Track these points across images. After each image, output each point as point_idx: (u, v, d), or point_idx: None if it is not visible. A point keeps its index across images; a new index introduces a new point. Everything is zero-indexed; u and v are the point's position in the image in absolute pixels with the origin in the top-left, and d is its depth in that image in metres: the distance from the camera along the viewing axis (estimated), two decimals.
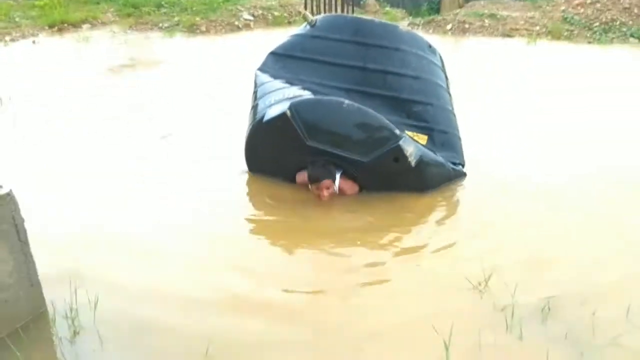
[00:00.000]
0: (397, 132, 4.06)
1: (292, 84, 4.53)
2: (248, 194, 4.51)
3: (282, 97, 4.37)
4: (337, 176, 4.12)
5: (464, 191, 4.41)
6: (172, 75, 8.15)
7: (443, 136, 4.46)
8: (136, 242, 3.66)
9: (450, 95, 4.72)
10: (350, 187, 4.22)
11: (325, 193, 4.09)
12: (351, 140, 4.10)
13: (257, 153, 4.53)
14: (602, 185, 4.48)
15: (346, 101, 4.12)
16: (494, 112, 6.29)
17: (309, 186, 4.13)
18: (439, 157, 4.29)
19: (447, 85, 4.77)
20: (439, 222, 3.99)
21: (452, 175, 4.41)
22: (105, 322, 2.84)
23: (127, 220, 3.96)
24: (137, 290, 3.14)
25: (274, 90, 4.52)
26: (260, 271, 3.37)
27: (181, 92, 7.25)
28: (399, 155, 4.04)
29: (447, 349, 2.57)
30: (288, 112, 4.11)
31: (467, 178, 4.49)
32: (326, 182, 4.06)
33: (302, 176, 4.27)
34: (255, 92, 4.68)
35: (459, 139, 4.58)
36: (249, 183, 4.60)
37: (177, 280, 3.25)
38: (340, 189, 4.18)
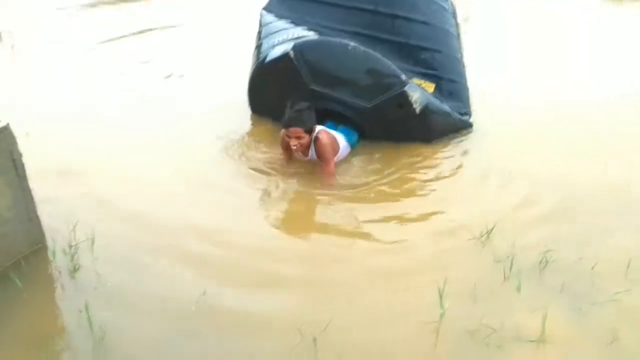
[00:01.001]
0: (403, 77, 3.95)
1: (297, 24, 4.40)
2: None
3: (286, 38, 4.25)
4: (316, 129, 3.70)
5: (469, 141, 4.33)
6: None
7: (451, 85, 4.35)
8: (133, 181, 3.65)
9: (460, 43, 4.57)
10: (328, 149, 3.70)
11: (294, 142, 3.58)
12: (355, 85, 3.99)
13: (260, 94, 4.44)
14: (614, 140, 4.42)
15: (352, 43, 4.00)
16: (501, 59, 6.11)
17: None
18: (445, 106, 4.20)
19: (458, 32, 4.61)
20: (443, 173, 3.93)
21: (459, 124, 4.32)
22: (102, 259, 2.85)
23: (124, 162, 3.92)
24: (135, 227, 3.14)
25: (278, 31, 4.39)
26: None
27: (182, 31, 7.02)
28: (403, 101, 3.95)
29: (440, 296, 2.58)
30: (291, 53, 4.00)
31: (474, 127, 4.40)
32: (296, 130, 3.56)
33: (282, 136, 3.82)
34: (259, 32, 4.55)
35: (467, 88, 4.47)
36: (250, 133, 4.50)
37: (175, 223, 3.24)
38: (317, 149, 3.70)
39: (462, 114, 4.34)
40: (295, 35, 4.22)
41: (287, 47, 4.06)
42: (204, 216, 3.31)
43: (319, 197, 3.60)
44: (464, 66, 4.50)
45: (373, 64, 3.97)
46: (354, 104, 4.03)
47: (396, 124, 4.10)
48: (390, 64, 3.98)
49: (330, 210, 3.46)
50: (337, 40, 4.07)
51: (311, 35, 4.21)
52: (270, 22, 4.49)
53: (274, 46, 4.22)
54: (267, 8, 4.63)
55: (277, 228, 3.33)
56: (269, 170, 3.86)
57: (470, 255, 3.04)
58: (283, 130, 3.67)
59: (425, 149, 4.16)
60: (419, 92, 4.01)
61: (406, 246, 3.14)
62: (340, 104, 4.06)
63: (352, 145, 4.06)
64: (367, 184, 3.77)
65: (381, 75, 3.96)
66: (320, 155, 3.74)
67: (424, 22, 4.38)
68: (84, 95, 5.08)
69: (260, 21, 4.57)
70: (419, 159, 4.09)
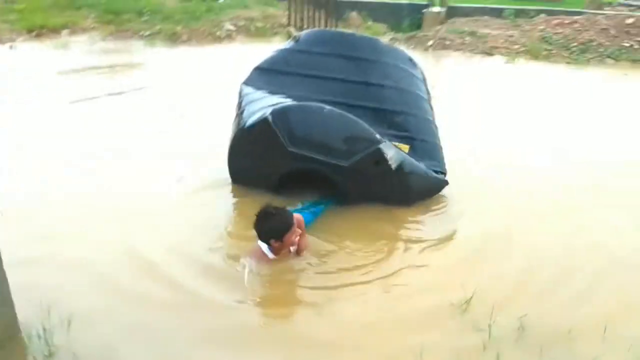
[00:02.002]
0: (377, 136, 4.09)
1: (275, 94, 4.56)
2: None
3: (265, 105, 4.39)
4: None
5: (447, 201, 4.45)
6: (149, 86, 8.02)
7: (425, 145, 4.52)
8: (111, 257, 3.60)
9: (431, 107, 4.79)
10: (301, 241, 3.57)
11: (291, 249, 3.49)
12: (332, 145, 4.07)
13: (240, 161, 4.51)
14: (588, 196, 4.60)
15: (327, 107, 4.14)
16: (474, 124, 6.36)
17: (270, 244, 3.44)
18: (421, 165, 4.33)
19: (429, 97, 4.84)
20: (422, 237, 4.01)
21: (434, 184, 4.46)
22: (79, 341, 2.79)
23: (101, 236, 3.87)
24: (108, 308, 3.09)
25: (258, 99, 4.54)
26: None
27: (159, 104, 7.16)
28: (379, 158, 4.03)
29: None
30: (269, 117, 4.11)
31: (449, 186, 4.51)
32: (288, 233, 3.39)
33: (257, 257, 3.49)
34: (239, 103, 4.69)
35: (440, 148, 4.64)
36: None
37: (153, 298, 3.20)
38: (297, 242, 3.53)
39: (437, 172, 4.47)
40: (274, 102, 4.36)
41: (265, 112, 4.18)
42: (185, 290, 3.28)
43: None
44: (436, 127, 4.70)
45: (348, 125, 4.09)
46: (332, 163, 4.11)
47: (375, 183, 4.20)
48: (364, 125, 4.10)
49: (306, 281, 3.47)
50: (313, 104, 4.21)
51: (289, 101, 4.35)
52: (250, 93, 4.66)
53: (253, 113, 4.35)
54: (246, 82, 4.79)
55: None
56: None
57: (450, 322, 3.06)
58: (277, 244, 3.42)
59: (403, 213, 4.26)
60: (394, 150, 4.14)
61: (384, 310, 3.16)
62: (319, 164, 4.14)
63: (316, 214, 4.13)
64: (344, 248, 3.80)
65: (356, 136, 4.08)
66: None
67: (395, 88, 4.60)
68: (55, 171, 4.96)
69: (240, 93, 4.72)
70: (400, 222, 4.19)
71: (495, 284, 3.40)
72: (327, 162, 4.11)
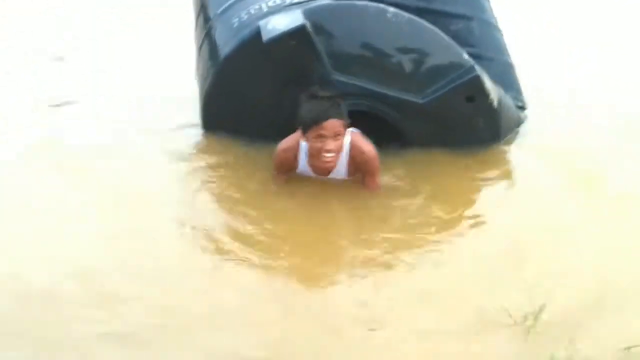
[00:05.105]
0: (468, 57, 2.78)
1: None
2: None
3: (276, 4, 2.73)
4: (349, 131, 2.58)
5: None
6: None
7: (495, 66, 3.13)
8: None
9: (489, 3, 3.35)
10: (377, 160, 2.63)
11: (331, 146, 2.45)
12: (400, 72, 2.74)
13: (231, 99, 2.84)
14: None
15: (390, 9, 2.72)
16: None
17: (302, 141, 2.55)
18: (507, 96, 3.07)
19: None
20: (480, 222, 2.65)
21: (517, 121, 3.18)
22: None
23: None
24: None
25: None
26: None
27: None
28: (476, 91, 2.76)
29: None
30: (308, 26, 2.52)
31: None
32: (334, 124, 2.44)
33: (287, 145, 2.64)
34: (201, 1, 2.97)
35: (514, 68, 3.34)
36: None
37: None
38: (361, 160, 2.61)
39: (518, 107, 3.21)
40: (291, 0, 2.74)
41: (294, 17, 2.59)
42: None
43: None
44: (502, 35, 3.34)
45: (426, 37, 2.75)
46: (400, 99, 2.73)
47: (455, 126, 2.88)
48: (448, 40, 2.77)
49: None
50: (370, 3, 2.73)
51: None
52: None
53: (257, 18, 2.71)
54: None
55: None
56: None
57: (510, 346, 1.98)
58: (312, 132, 2.45)
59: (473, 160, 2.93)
60: (488, 78, 2.83)
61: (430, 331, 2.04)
62: (377, 101, 2.74)
63: None
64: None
65: (439, 54, 2.76)
66: (366, 168, 2.63)
67: None
68: None
69: None
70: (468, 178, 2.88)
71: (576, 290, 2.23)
72: (393, 98, 2.73)
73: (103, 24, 4.54)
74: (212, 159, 2.83)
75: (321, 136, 2.43)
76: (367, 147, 2.61)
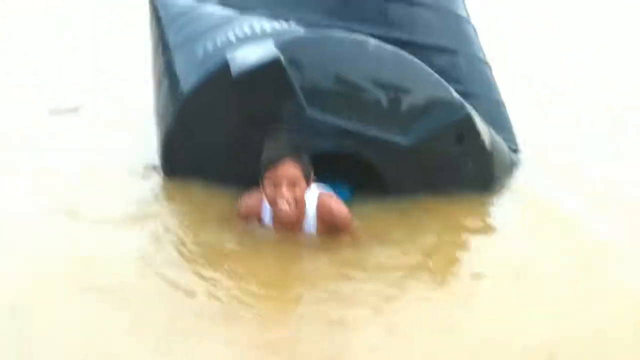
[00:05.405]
0: (456, 95, 2.55)
1: (245, 12, 2.67)
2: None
3: (246, 34, 2.49)
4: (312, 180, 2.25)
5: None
6: None
7: (484, 104, 2.90)
8: None
9: (476, 31, 3.13)
10: (345, 210, 2.33)
11: (286, 193, 2.11)
12: (382, 108, 2.49)
13: (193, 140, 2.53)
14: None
15: (372, 40, 2.50)
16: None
17: (263, 187, 2.19)
18: (499, 137, 2.82)
19: (468, 14, 3.13)
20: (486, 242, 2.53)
21: (512, 166, 2.93)
22: None
23: None
24: None
25: (216, 24, 2.61)
26: None
27: None
28: (466, 131, 2.53)
29: None
30: (282, 58, 2.27)
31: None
32: (289, 167, 2.12)
33: (251, 197, 2.33)
34: (161, 26, 2.73)
35: (504, 107, 3.11)
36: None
37: None
38: (328, 213, 2.29)
39: (511, 150, 2.97)
40: (265, 29, 2.50)
41: (265, 48, 2.32)
42: None
43: None
44: (491, 70, 3.11)
45: (412, 74, 2.52)
46: (382, 139, 2.47)
47: (442, 170, 2.62)
48: (434, 74, 2.53)
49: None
50: (348, 35, 2.49)
51: (292, 28, 2.51)
52: (182, 8, 2.72)
53: (219, 48, 2.47)
54: None
55: None
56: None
57: None
58: (267, 177, 2.14)
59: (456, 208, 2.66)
60: (479, 117, 2.60)
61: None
62: (356, 141, 2.47)
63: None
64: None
65: (426, 93, 2.52)
66: (338, 228, 2.31)
67: (428, 6, 2.88)
68: None
69: (157, 7, 2.79)
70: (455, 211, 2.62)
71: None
72: (375, 138, 2.47)
73: (103, 24, 4.55)
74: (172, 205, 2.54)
75: (275, 182, 2.12)
76: (339, 208, 2.30)
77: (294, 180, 2.12)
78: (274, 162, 2.11)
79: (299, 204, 2.17)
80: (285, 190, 2.11)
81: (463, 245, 2.50)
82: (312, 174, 2.21)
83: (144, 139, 2.89)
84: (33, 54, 4.31)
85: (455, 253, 2.44)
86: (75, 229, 2.34)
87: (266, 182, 2.14)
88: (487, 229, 2.62)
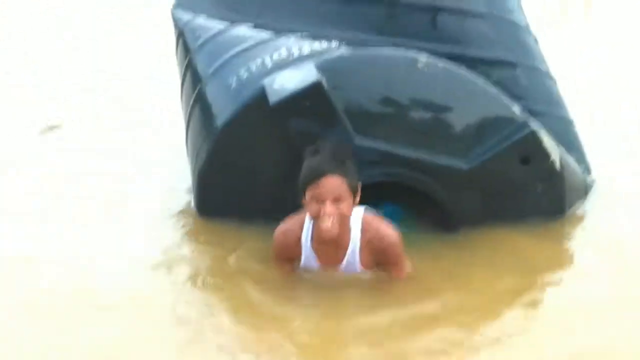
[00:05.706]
0: (519, 110, 2.29)
1: (281, 33, 2.45)
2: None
3: (282, 58, 2.29)
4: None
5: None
6: None
7: (549, 122, 2.60)
8: None
9: (536, 41, 2.85)
10: (400, 247, 2.09)
11: (330, 210, 1.92)
12: (437, 131, 2.27)
13: (230, 176, 2.33)
14: None
15: (422, 57, 2.25)
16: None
17: (307, 220, 2.06)
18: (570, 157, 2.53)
19: (527, 22, 2.86)
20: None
21: (584, 187, 2.65)
22: None
23: None
24: None
25: (250, 48, 2.40)
26: None
27: None
28: (532, 151, 2.26)
29: None
30: (324, 82, 2.04)
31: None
32: (335, 182, 1.93)
33: (288, 227, 2.13)
34: (187, 50, 2.55)
35: (573, 124, 2.81)
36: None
37: None
38: (369, 239, 2.06)
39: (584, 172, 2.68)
40: (303, 52, 2.29)
41: (305, 72, 2.12)
42: None
43: None
44: (555, 83, 2.83)
45: (467, 91, 2.27)
46: (439, 166, 2.22)
47: (508, 196, 2.34)
48: (493, 88, 2.28)
49: None
50: (393, 51, 2.26)
51: (332, 48, 2.30)
52: (221, 32, 2.51)
53: (260, 75, 2.25)
54: (183, 5, 2.68)
55: None
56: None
57: None
58: (309, 193, 1.96)
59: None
60: (547, 135, 2.31)
61: None
62: (410, 169, 2.23)
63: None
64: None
65: (485, 110, 2.28)
66: (387, 258, 2.09)
67: (483, 15, 2.60)
68: None
69: (183, 30, 2.59)
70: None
71: None
72: (429, 164, 2.23)
73: (103, 24, 4.55)
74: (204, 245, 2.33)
75: (318, 198, 1.92)
76: (386, 230, 2.07)
77: (339, 195, 1.93)
78: (318, 176, 1.93)
79: (344, 219, 1.96)
80: (329, 206, 1.92)
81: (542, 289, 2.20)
82: (359, 189, 1.99)
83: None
84: (33, 54, 4.37)
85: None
86: None
87: (309, 199, 1.97)
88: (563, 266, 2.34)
